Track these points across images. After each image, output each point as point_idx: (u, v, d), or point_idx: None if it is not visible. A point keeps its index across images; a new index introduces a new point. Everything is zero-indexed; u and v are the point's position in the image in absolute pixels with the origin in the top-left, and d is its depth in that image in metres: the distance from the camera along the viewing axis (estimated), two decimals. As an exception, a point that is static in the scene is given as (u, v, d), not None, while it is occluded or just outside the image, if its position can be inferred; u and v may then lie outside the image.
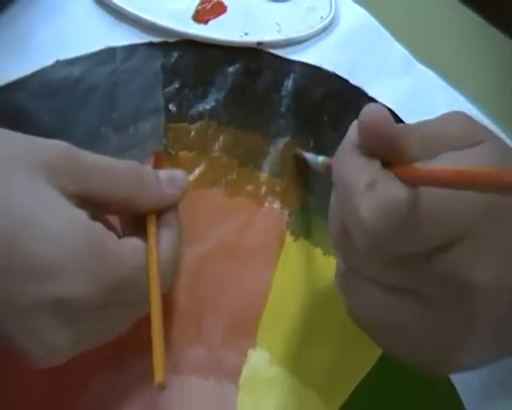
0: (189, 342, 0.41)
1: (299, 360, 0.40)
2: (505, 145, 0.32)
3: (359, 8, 0.55)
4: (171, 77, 0.51)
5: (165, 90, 0.50)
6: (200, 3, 0.54)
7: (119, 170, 0.35)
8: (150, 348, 0.33)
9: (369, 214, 0.26)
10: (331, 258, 0.43)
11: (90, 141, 0.46)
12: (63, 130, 0.46)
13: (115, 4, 0.53)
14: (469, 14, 0.57)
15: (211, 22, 0.53)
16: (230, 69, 0.52)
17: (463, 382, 0.40)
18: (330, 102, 0.50)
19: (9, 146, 0.33)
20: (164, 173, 0.38)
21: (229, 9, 0.54)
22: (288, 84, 0.51)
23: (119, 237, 0.34)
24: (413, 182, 0.26)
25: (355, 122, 0.29)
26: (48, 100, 0.49)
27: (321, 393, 0.39)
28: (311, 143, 0.48)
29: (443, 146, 0.29)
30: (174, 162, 0.46)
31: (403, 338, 0.32)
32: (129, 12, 0.53)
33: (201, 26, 0.53)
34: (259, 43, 0.52)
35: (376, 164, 0.27)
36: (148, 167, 0.39)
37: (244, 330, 0.41)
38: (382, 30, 0.54)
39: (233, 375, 0.40)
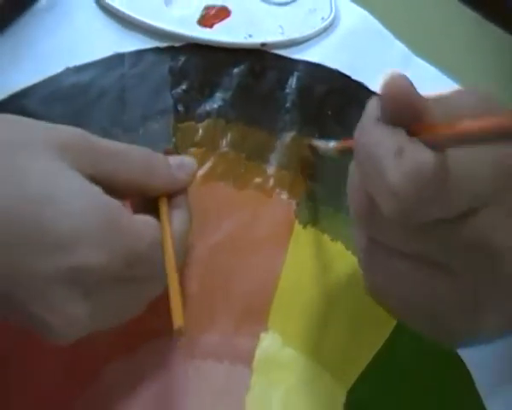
0: (202, 328, 0.42)
1: (310, 341, 0.41)
2: None
3: (359, 8, 0.57)
4: (179, 79, 0.52)
5: (173, 91, 0.51)
6: (205, 9, 0.56)
7: (132, 154, 0.37)
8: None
9: (398, 180, 0.26)
10: (339, 243, 0.44)
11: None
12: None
13: (122, 12, 0.55)
14: (468, 12, 0.58)
15: (216, 26, 0.55)
16: (236, 70, 0.53)
17: (477, 368, 0.41)
18: (334, 98, 0.51)
19: (26, 131, 0.34)
20: (174, 159, 0.40)
21: (233, 14, 0.56)
22: (292, 81, 0.52)
23: None
24: (439, 146, 0.27)
25: (373, 98, 0.30)
26: (59, 105, 0.50)
27: (333, 372, 0.40)
28: (317, 136, 0.49)
29: (463, 116, 0.30)
30: (183, 158, 0.47)
31: (425, 311, 0.32)
32: (135, 19, 0.54)
33: (207, 30, 0.54)
34: (263, 45, 0.54)
35: (402, 132, 0.28)
36: (159, 154, 0.40)
37: (256, 315, 0.42)
38: (382, 28, 0.55)
39: (246, 358, 0.41)
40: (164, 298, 0.40)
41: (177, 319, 0.33)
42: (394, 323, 0.41)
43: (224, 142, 0.49)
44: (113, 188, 0.35)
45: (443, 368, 0.41)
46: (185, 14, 0.55)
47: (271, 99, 0.52)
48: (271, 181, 0.47)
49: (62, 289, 0.32)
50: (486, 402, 0.40)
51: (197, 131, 0.49)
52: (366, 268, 0.33)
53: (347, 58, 0.53)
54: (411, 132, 0.28)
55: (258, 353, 0.41)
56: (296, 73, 0.53)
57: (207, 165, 0.48)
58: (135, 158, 0.37)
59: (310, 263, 0.44)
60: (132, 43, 0.54)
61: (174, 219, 0.37)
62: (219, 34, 0.54)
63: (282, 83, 0.52)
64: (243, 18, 0.55)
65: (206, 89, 0.52)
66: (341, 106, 0.51)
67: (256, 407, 0.39)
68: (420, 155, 0.27)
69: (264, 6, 0.56)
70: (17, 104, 0.49)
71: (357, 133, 0.30)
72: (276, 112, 0.51)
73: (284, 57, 0.54)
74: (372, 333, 0.41)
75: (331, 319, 0.42)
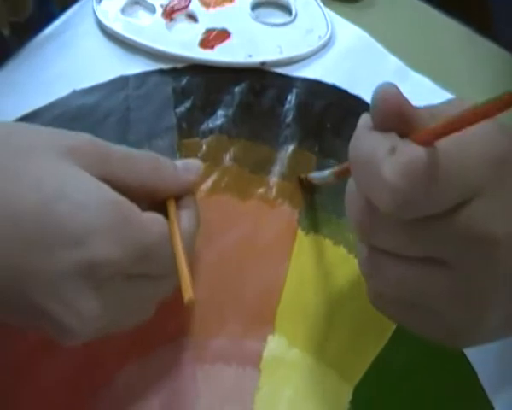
0: (211, 333, 0.43)
1: (315, 342, 0.42)
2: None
3: (354, 26, 0.59)
4: (182, 98, 0.54)
5: (177, 110, 0.53)
6: (206, 32, 0.58)
7: (139, 157, 0.38)
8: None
9: (392, 174, 0.28)
10: (341, 247, 0.46)
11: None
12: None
13: (125, 37, 0.57)
14: (460, 28, 0.60)
15: (217, 47, 0.57)
16: (237, 89, 0.55)
17: (481, 366, 0.42)
18: (332, 111, 0.53)
19: (37, 136, 0.36)
20: (179, 162, 0.41)
21: (233, 35, 0.58)
22: (292, 98, 0.54)
23: None
24: (428, 142, 0.29)
25: (365, 113, 0.32)
26: (66, 126, 0.51)
27: (339, 370, 0.41)
28: (317, 148, 0.51)
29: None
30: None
31: (426, 312, 0.33)
32: (139, 43, 0.56)
33: (208, 51, 0.56)
34: (263, 64, 0.56)
35: (393, 135, 0.30)
36: (166, 158, 0.41)
37: (263, 319, 0.43)
38: (377, 45, 0.57)
39: (254, 360, 0.42)
40: (173, 304, 0.41)
41: (188, 293, 0.34)
42: (397, 322, 0.42)
43: (228, 156, 0.51)
44: (121, 191, 0.36)
45: (448, 367, 0.42)
46: (187, 38, 0.57)
47: (272, 115, 0.53)
48: (274, 192, 0.49)
49: (75, 284, 0.33)
50: (493, 402, 0.40)
51: (201, 146, 0.51)
52: (368, 277, 0.34)
53: (344, 74, 0.55)
54: (402, 135, 0.30)
55: (266, 354, 0.42)
56: (295, 90, 0.55)
57: (212, 178, 0.49)
58: (143, 161, 0.38)
59: (313, 267, 0.45)
60: (136, 66, 0.56)
61: (183, 219, 0.38)
62: (220, 55, 0.56)
63: (282, 99, 0.54)
64: (243, 39, 0.57)
65: (208, 107, 0.54)
66: (340, 119, 0.53)
67: (265, 406, 0.40)
68: (411, 150, 0.28)
69: (263, 27, 0.58)
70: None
71: (351, 143, 0.32)
72: (276, 127, 0.53)
73: (283, 75, 0.56)
74: (376, 331, 0.42)
75: (335, 320, 0.43)
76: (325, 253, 0.46)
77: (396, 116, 0.30)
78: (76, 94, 0.54)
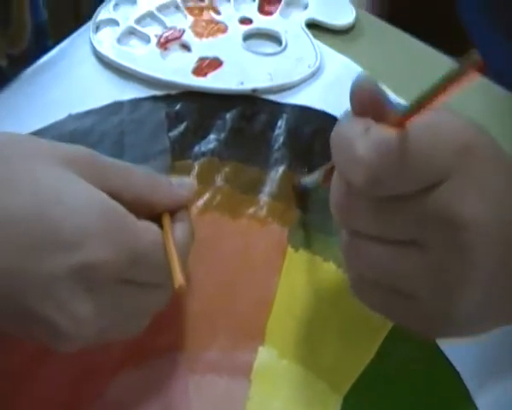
0: (203, 346, 0.43)
1: (305, 353, 0.43)
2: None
3: (342, 56, 0.61)
4: (176, 123, 0.56)
5: (170, 134, 0.55)
6: (199, 60, 0.59)
7: (137, 172, 0.40)
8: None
9: (365, 151, 0.31)
10: (330, 263, 0.47)
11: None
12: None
13: (120, 64, 0.59)
14: (443, 57, 0.62)
15: (209, 75, 0.58)
16: (228, 115, 0.56)
17: (461, 364, 0.43)
18: (321, 135, 0.55)
19: (37, 146, 0.37)
20: (174, 179, 0.43)
21: (225, 64, 0.59)
22: (282, 123, 0.56)
23: None
24: (400, 123, 0.30)
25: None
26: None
27: (328, 381, 0.42)
28: (306, 170, 0.52)
29: None
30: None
31: (404, 298, 0.34)
32: (133, 70, 0.58)
33: (201, 78, 0.58)
34: (254, 90, 0.57)
35: (369, 119, 0.33)
36: (162, 175, 0.43)
37: (254, 332, 0.44)
38: (364, 72, 0.59)
39: (245, 370, 0.42)
40: (166, 317, 0.42)
41: (178, 279, 0.36)
42: (385, 333, 0.43)
43: (219, 177, 0.52)
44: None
45: (432, 371, 0.42)
46: (180, 66, 0.59)
47: (262, 139, 0.55)
48: (264, 211, 0.50)
49: (69, 286, 0.34)
50: (476, 400, 0.41)
51: (193, 168, 0.53)
52: (348, 260, 0.36)
53: (333, 101, 0.57)
54: (377, 121, 0.33)
55: (256, 365, 0.43)
56: (285, 116, 0.56)
57: (204, 198, 0.51)
58: (139, 175, 0.40)
59: (303, 282, 0.46)
60: (131, 92, 0.58)
61: (177, 230, 0.39)
62: (213, 82, 0.58)
63: (272, 125, 0.56)
64: (235, 67, 0.59)
65: (200, 131, 0.55)
66: (328, 142, 0.54)
67: (256, 415, 0.41)
68: (384, 130, 0.31)
69: (254, 57, 0.60)
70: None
71: (334, 128, 0.34)
72: (266, 150, 0.54)
73: (273, 102, 0.57)
74: (364, 343, 0.43)
75: (324, 332, 0.44)
76: (314, 268, 0.47)
77: (370, 100, 0.33)
78: (72, 118, 0.56)
